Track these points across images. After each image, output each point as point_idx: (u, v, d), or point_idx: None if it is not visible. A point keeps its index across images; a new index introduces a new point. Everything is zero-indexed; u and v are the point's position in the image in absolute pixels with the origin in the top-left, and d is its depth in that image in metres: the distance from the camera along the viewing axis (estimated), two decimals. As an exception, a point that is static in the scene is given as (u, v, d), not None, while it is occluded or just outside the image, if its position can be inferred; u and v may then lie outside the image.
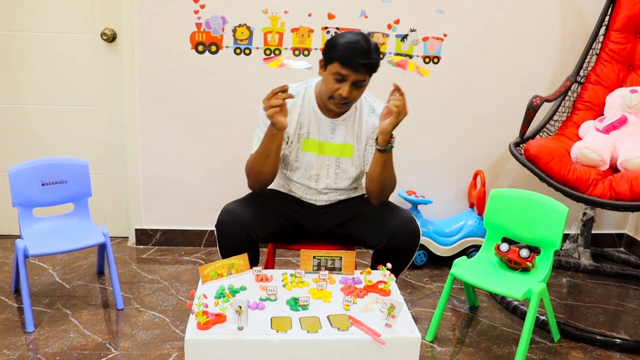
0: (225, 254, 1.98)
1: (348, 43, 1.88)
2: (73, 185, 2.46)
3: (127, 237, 3.18)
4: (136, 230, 3.11)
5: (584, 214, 3.11)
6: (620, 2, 2.80)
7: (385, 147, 1.98)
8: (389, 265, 1.85)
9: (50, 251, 2.25)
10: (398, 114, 1.89)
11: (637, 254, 3.30)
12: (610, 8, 2.83)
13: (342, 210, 2.18)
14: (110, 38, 2.88)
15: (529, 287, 2.07)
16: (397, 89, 1.92)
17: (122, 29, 2.85)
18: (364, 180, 2.26)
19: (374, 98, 2.17)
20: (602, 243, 3.40)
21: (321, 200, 2.18)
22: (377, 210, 2.11)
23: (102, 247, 2.60)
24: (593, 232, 3.18)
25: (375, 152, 2.02)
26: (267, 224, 2.05)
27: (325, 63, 1.97)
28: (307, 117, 2.09)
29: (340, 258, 1.94)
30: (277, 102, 1.85)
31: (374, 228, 2.07)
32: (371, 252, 2.18)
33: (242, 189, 2.49)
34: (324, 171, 2.13)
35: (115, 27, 2.88)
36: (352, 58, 1.86)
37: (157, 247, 3.13)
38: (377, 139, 1.99)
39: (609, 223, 3.40)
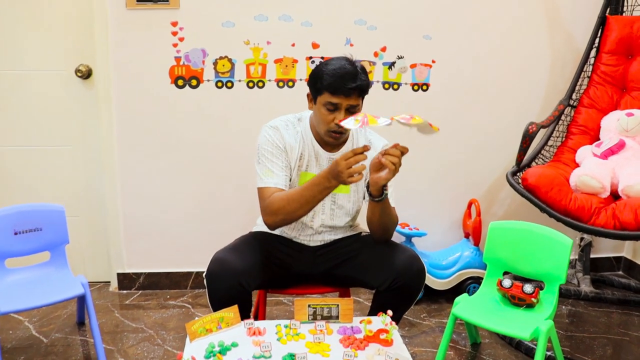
0: (215, 306, 1.84)
1: (334, 70, 1.82)
2: (48, 233, 2.31)
3: (109, 282, 3.02)
4: (118, 274, 2.96)
5: (582, 239, 3.02)
6: (610, 24, 2.75)
7: (380, 196, 1.86)
8: (389, 312, 1.73)
9: (24, 307, 2.08)
10: (394, 170, 1.74)
11: (636, 277, 3.22)
12: (600, 30, 2.79)
13: (339, 249, 2.06)
14: (85, 75, 2.76)
15: (536, 326, 1.96)
16: (395, 146, 1.75)
17: (97, 65, 2.73)
18: (359, 219, 2.17)
19: (369, 130, 2.09)
20: (600, 267, 3.32)
21: (315, 240, 2.07)
22: (377, 249, 2.00)
23: (81, 298, 2.44)
24: (590, 256, 3.09)
25: (369, 201, 1.91)
26: (260, 272, 1.92)
27: (314, 96, 1.90)
28: (307, 150, 1.99)
29: (337, 305, 1.82)
30: (361, 167, 1.70)
31: (375, 268, 1.95)
32: (363, 288, 2.07)
33: (228, 228, 2.38)
34: (319, 207, 2.00)
35: (90, 63, 2.76)
36: (341, 85, 1.80)
37: (140, 292, 2.97)
38: (368, 187, 1.86)
39: (606, 246, 3.32)
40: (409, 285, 1.93)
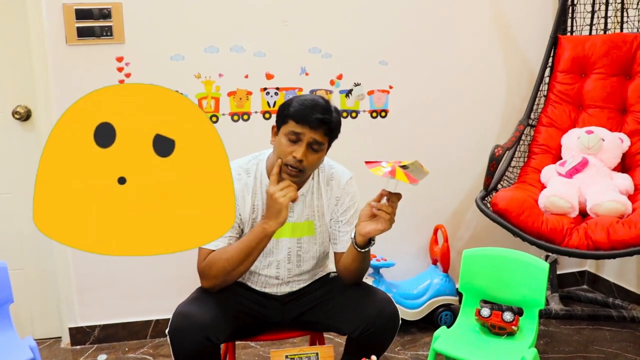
0: (181, 365, 1.69)
1: (304, 100, 1.74)
2: (-11, 293, 2.10)
3: (60, 337, 2.79)
4: (70, 329, 2.72)
5: (547, 256, 3.01)
6: (562, 43, 2.79)
7: (367, 246, 1.76)
8: (373, 358, 1.63)
9: (-35, 381, 1.88)
10: (390, 221, 1.66)
11: (601, 290, 3.24)
12: (553, 50, 2.82)
13: (308, 294, 1.94)
14: (24, 116, 2.57)
15: (521, 356, 1.90)
16: (390, 195, 1.66)
17: (37, 106, 2.55)
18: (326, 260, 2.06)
19: (330, 163, 1.94)
20: (565, 283, 3.32)
21: (283, 290, 1.94)
22: (348, 293, 1.88)
23: (30, 361, 2.23)
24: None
25: (351, 248, 1.79)
26: (228, 324, 1.76)
27: (278, 126, 1.78)
28: (260, 198, 1.84)
29: (317, 354, 1.70)
30: (295, 194, 1.70)
31: (347, 314, 1.83)
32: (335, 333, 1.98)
33: (186, 272, 2.20)
34: (283, 256, 1.88)
35: (29, 103, 2.58)
36: (308, 113, 1.69)
37: (96, 346, 2.75)
38: (354, 235, 1.75)
39: (570, 262, 3.32)
40: (383, 330, 1.83)
